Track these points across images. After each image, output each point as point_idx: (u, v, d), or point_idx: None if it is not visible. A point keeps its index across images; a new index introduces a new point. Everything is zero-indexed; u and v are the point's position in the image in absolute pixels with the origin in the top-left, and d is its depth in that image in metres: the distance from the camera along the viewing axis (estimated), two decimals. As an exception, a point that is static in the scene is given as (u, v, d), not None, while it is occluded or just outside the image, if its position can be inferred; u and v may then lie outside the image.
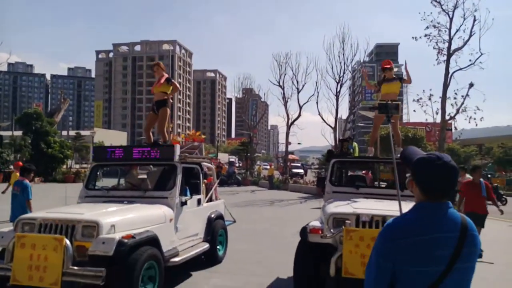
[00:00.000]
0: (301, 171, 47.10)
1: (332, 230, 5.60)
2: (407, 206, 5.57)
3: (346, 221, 5.55)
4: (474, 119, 22.60)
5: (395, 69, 8.37)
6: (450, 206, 2.04)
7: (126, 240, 5.21)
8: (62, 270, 4.99)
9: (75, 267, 5.06)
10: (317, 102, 35.20)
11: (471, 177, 10.25)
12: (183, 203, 7.03)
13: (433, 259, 1.92)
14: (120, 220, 5.66)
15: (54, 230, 5.39)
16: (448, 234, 1.96)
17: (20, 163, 14.44)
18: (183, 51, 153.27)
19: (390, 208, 5.72)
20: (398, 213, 5.20)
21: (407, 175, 8.26)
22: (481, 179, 9.80)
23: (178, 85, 8.43)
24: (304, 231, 5.82)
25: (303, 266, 5.81)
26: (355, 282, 5.17)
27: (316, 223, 5.98)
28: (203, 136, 10.30)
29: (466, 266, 1.97)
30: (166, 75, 7.98)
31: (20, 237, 5.23)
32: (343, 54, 32.67)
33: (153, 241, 5.82)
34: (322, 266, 5.54)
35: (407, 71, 8.85)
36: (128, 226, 5.65)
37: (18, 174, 13.55)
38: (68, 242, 5.12)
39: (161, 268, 5.83)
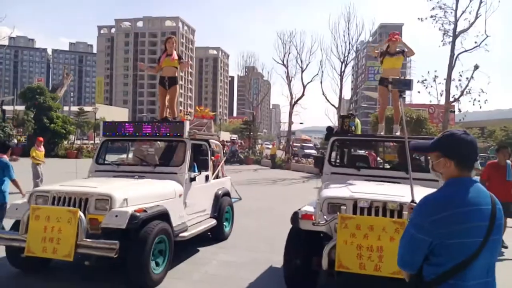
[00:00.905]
0: (314, 151, 47.00)
1: (325, 217, 5.04)
2: (416, 189, 5.41)
3: (342, 207, 4.98)
4: (478, 101, 22.54)
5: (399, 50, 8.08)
6: (477, 181, 2.17)
7: (138, 214, 5.30)
8: (75, 242, 5.08)
9: (89, 240, 5.15)
10: (321, 82, 35.10)
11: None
12: (192, 179, 7.10)
13: (472, 230, 2.02)
14: (132, 194, 5.73)
15: (68, 203, 5.47)
16: (483, 207, 2.07)
17: (41, 138, 14.44)
18: (185, 28, 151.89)
19: (393, 192, 5.28)
20: (400, 198, 4.96)
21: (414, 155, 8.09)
22: (508, 161, 8.36)
23: (188, 61, 8.49)
24: (295, 217, 5.24)
25: (294, 257, 5.23)
26: (350, 277, 4.76)
27: (309, 208, 5.42)
28: (212, 113, 10.28)
29: (497, 237, 2.10)
30: (175, 53, 8.04)
31: (35, 209, 5.32)
32: (348, 34, 32.51)
33: (163, 215, 5.91)
34: (314, 258, 4.96)
35: (406, 45, 8.36)
36: (139, 200, 5.72)
37: (39, 149, 13.66)
38: (82, 214, 5.21)
39: (171, 242, 5.93)
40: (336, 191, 5.56)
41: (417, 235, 2.10)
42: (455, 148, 2.17)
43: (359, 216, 4.85)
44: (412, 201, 3.20)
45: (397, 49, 8.00)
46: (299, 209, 5.36)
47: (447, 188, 2.15)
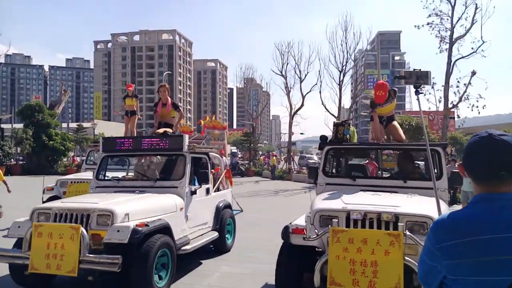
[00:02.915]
0: None
1: (316, 231, 4.74)
2: (409, 199, 5.32)
3: (333, 220, 4.68)
4: (477, 107, 22.66)
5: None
6: None
7: (140, 228, 5.34)
8: (79, 258, 5.11)
9: (92, 255, 5.18)
10: (320, 92, 35.13)
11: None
12: (193, 193, 7.14)
13: (498, 265, 1.52)
14: (134, 209, 5.78)
15: (70, 219, 5.51)
16: None
17: None
18: (182, 40, 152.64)
19: (388, 202, 5.04)
20: (395, 209, 4.73)
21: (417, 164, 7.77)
22: None
23: (182, 112, 8.79)
24: (286, 231, 5.00)
25: (285, 275, 5.01)
26: None
27: (301, 221, 5.19)
28: (225, 124, 10.18)
29: None
30: (170, 100, 8.43)
31: (37, 226, 5.35)
32: (346, 43, 32.54)
33: (165, 229, 5.96)
34: (306, 274, 4.73)
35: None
36: (141, 214, 5.77)
37: None
38: (84, 230, 5.24)
39: (173, 255, 5.96)
40: (328, 202, 5.32)
41: (426, 260, 1.71)
42: (467, 155, 1.70)
43: (351, 229, 4.59)
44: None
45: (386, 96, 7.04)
46: (290, 223, 5.13)
47: (469, 208, 1.68)
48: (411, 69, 5.39)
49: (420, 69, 5.08)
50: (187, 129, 24.86)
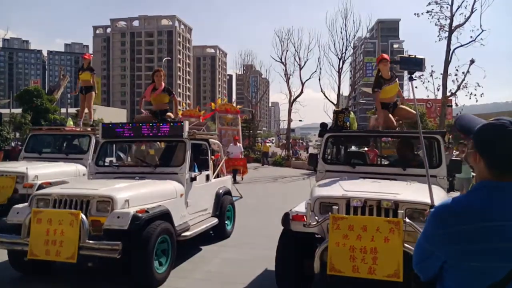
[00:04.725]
0: None
1: (317, 217, 4.74)
2: (408, 186, 5.35)
3: (334, 207, 4.68)
4: (475, 95, 22.72)
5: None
6: None
7: (140, 215, 5.33)
8: (78, 244, 5.10)
9: (91, 241, 5.18)
10: (319, 79, 35.33)
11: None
12: (193, 179, 7.12)
13: (499, 252, 1.53)
14: (134, 195, 5.76)
15: (69, 206, 5.49)
16: None
17: None
18: (182, 26, 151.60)
19: (387, 190, 5.05)
20: (395, 196, 4.74)
21: (417, 152, 7.80)
22: None
23: (177, 98, 8.63)
24: (286, 218, 5.00)
25: (285, 261, 5.05)
26: (343, 280, 4.45)
27: (301, 208, 5.20)
28: (238, 107, 9.80)
29: None
30: (163, 85, 8.18)
31: (37, 212, 5.33)
32: (346, 30, 32.40)
33: (165, 215, 5.94)
34: (306, 261, 4.75)
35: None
36: (141, 201, 5.76)
37: None
38: (84, 216, 5.23)
39: (173, 241, 5.97)
40: (328, 190, 5.32)
41: (428, 247, 1.71)
42: (486, 143, 1.64)
43: (351, 216, 4.60)
44: (431, 206, 2.99)
45: (390, 73, 7.20)
46: (290, 210, 5.15)
47: (473, 194, 1.67)
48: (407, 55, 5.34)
49: (415, 55, 5.02)
50: (195, 113, 24.28)
